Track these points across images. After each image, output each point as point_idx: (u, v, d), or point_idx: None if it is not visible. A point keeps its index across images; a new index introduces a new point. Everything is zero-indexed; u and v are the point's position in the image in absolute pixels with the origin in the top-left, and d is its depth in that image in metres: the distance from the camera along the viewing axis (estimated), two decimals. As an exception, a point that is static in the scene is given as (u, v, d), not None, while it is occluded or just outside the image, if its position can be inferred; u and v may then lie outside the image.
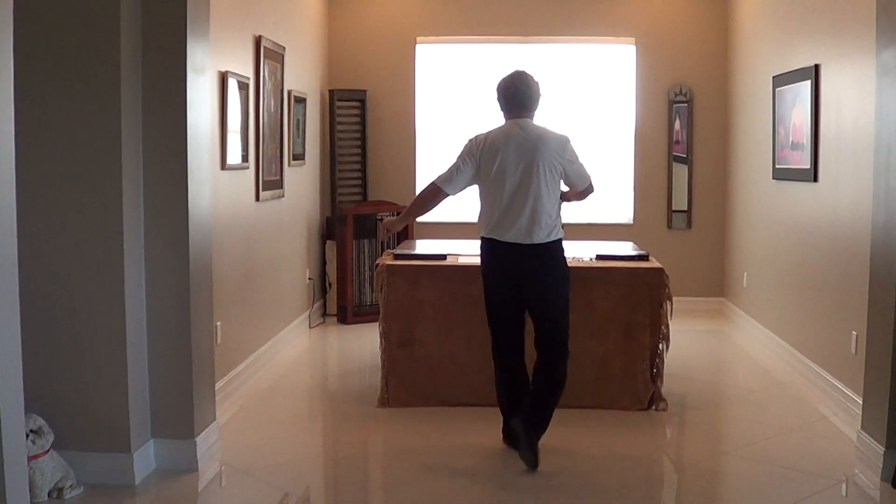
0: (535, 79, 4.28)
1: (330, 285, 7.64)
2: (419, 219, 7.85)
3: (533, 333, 4.21)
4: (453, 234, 6.65)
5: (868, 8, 4.37)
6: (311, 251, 7.46)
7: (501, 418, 4.35)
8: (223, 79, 5.07)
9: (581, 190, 4.33)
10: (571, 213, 4.40)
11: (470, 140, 4.24)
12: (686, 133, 7.92)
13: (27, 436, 3.42)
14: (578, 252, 5.17)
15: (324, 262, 7.71)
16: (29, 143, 3.51)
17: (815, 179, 5.51)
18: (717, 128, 7.89)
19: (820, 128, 5.46)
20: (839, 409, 4.93)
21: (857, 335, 4.72)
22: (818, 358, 5.43)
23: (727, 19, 7.82)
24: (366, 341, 6.56)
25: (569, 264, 4.27)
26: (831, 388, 5.14)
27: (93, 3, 3.67)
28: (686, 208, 7.95)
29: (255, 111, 5.71)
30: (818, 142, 5.48)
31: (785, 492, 3.84)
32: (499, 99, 4.27)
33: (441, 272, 5.01)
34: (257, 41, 5.76)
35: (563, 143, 4.18)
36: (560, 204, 4.20)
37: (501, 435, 4.37)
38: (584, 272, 4.80)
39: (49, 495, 3.59)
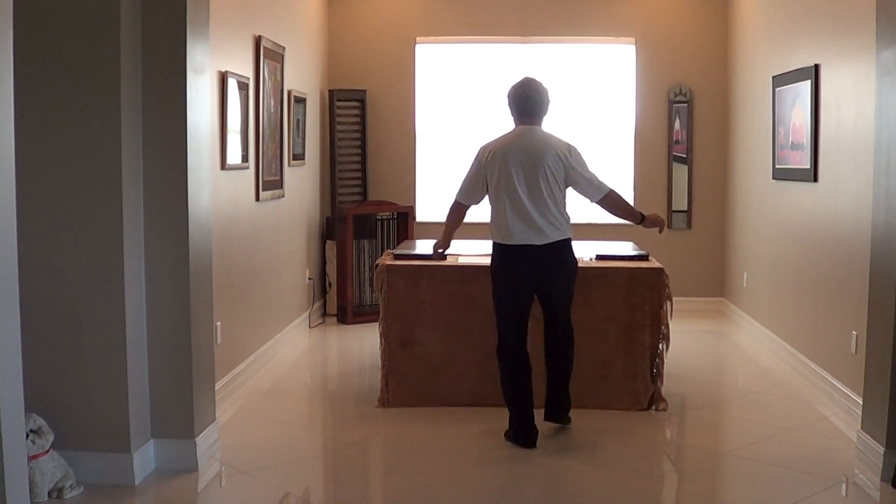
0: (544, 86, 4.41)
1: (330, 285, 7.64)
2: (419, 219, 7.91)
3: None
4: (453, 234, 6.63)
5: (868, 8, 4.37)
6: (311, 251, 7.46)
7: (506, 417, 4.38)
8: (223, 79, 5.07)
9: (603, 203, 4.44)
10: (572, 213, 4.41)
11: (479, 149, 4.44)
12: (686, 133, 7.92)
13: (27, 436, 3.42)
14: (579, 252, 5.15)
15: (324, 262, 7.71)
16: (29, 144, 3.51)
17: (815, 179, 5.51)
18: (717, 128, 7.89)
19: (820, 128, 5.46)
20: (839, 409, 4.93)
21: (857, 335, 4.72)
22: (818, 358, 5.43)
23: (727, 19, 7.82)
24: (366, 341, 6.56)
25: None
26: (831, 388, 5.14)
27: (93, 3, 3.67)
28: (686, 208, 7.95)
29: (255, 111, 5.71)
30: (818, 142, 5.48)
31: (785, 492, 3.84)
32: (509, 105, 4.43)
33: (441, 272, 5.01)
34: (257, 41, 5.76)
35: (567, 149, 4.34)
36: (565, 205, 4.37)
37: (504, 435, 4.39)
38: (584, 272, 4.79)
39: (49, 495, 3.59)
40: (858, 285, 4.57)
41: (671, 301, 4.92)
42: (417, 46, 8.00)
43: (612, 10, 7.90)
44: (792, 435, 4.60)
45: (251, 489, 3.89)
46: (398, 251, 5.37)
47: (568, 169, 4.29)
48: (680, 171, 7.95)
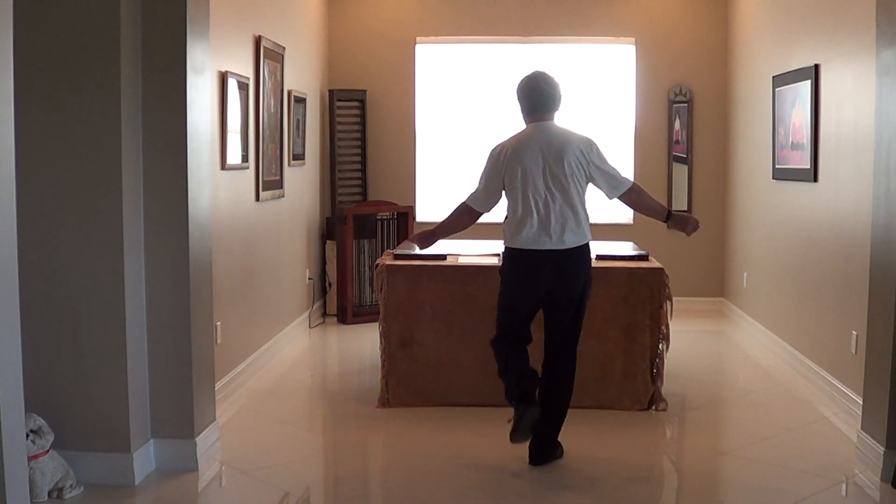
0: (556, 79, 4.12)
1: (330, 285, 7.64)
2: (419, 219, 7.86)
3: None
4: (447, 237, 6.63)
5: (868, 8, 4.37)
6: (311, 251, 7.46)
7: (507, 416, 4.07)
8: (223, 79, 5.07)
9: (625, 199, 4.09)
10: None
11: (492, 151, 4.11)
12: (686, 133, 7.92)
13: (27, 436, 3.42)
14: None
15: (324, 262, 7.71)
16: (29, 144, 3.51)
17: (815, 179, 5.51)
18: (717, 128, 7.89)
19: (820, 128, 5.46)
20: (839, 409, 4.93)
21: (857, 335, 4.72)
22: (818, 358, 5.43)
23: (727, 19, 7.82)
24: (366, 341, 6.56)
25: None
26: (831, 388, 5.14)
27: (93, 3, 3.67)
28: (686, 208, 7.95)
29: (255, 111, 5.71)
30: (818, 142, 5.48)
31: (785, 492, 3.84)
32: (520, 100, 4.12)
33: (441, 272, 5.01)
34: (257, 41, 5.76)
35: (589, 145, 4.04)
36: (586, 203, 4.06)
37: (509, 435, 4.05)
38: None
39: (49, 495, 3.59)
40: (858, 285, 4.57)
41: (671, 301, 4.92)
42: (417, 46, 8.00)
43: (612, 10, 7.90)
44: (792, 435, 4.60)
45: (251, 489, 3.89)
46: (398, 251, 5.37)
47: (590, 165, 3.99)
48: (680, 171, 7.95)
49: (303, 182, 7.15)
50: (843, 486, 3.93)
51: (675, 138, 7.95)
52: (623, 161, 7.88)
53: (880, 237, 3.99)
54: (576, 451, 4.28)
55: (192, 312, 3.96)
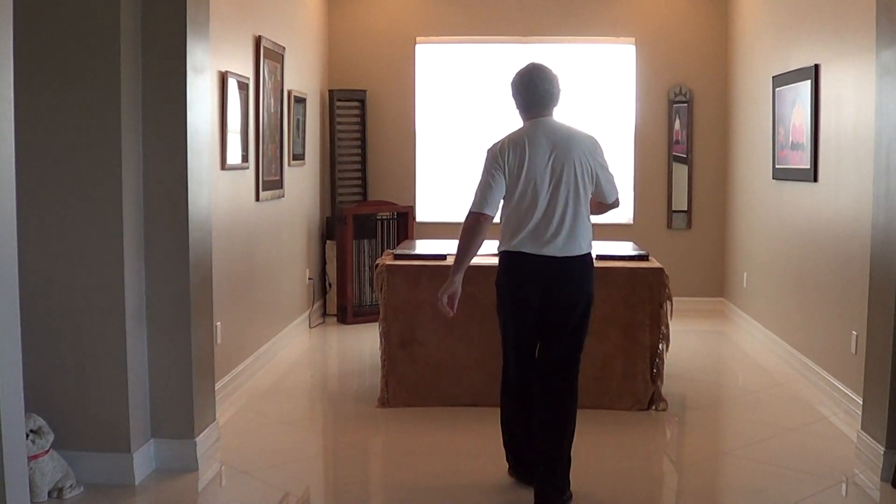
0: (554, 71, 3.80)
1: (330, 285, 7.64)
2: (419, 219, 7.85)
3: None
4: (453, 234, 6.62)
5: (868, 8, 4.37)
6: (311, 251, 7.46)
7: (504, 443, 3.96)
8: (223, 79, 5.07)
9: (608, 203, 3.82)
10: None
11: (490, 150, 3.70)
12: (686, 133, 7.92)
13: (27, 436, 3.42)
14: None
15: (324, 262, 7.71)
16: (29, 143, 3.51)
17: (815, 179, 5.51)
18: (717, 128, 7.89)
19: (820, 128, 5.47)
20: (839, 409, 4.93)
21: (857, 335, 4.72)
22: (818, 358, 5.43)
23: (727, 19, 7.82)
24: (366, 341, 6.56)
25: None
26: (831, 388, 5.14)
27: (93, 3, 3.67)
28: (686, 208, 7.95)
29: (255, 111, 5.71)
30: (818, 142, 5.48)
31: (785, 492, 3.84)
32: (515, 96, 3.77)
33: (441, 272, 4.97)
34: (257, 41, 5.76)
35: (594, 144, 3.73)
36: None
37: (508, 470, 3.97)
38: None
39: (49, 495, 3.59)
40: (858, 285, 4.57)
41: (671, 301, 4.92)
42: (417, 46, 8.00)
43: (612, 10, 7.90)
44: (792, 435, 4.60)
45: (251, 489, 3.89)
46: (398, 251, 5.37)
47: (595, 166, 3.67)
48: (680, 171, 7.95)
49: (303, 182, 7.15)
50: (843, 487, 3.93)
51: (675, 138, 7.95)
52: (623, 161, 7.90)
53: (880, 237, 3.99)
54: (576, 451, 4.27)
55: (192, 312, 3.96)
